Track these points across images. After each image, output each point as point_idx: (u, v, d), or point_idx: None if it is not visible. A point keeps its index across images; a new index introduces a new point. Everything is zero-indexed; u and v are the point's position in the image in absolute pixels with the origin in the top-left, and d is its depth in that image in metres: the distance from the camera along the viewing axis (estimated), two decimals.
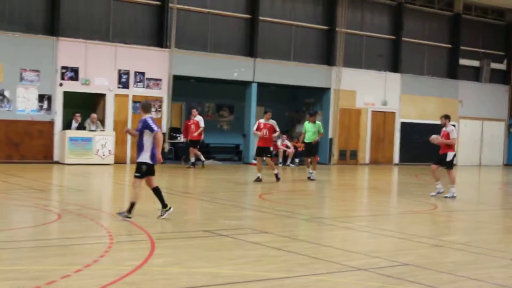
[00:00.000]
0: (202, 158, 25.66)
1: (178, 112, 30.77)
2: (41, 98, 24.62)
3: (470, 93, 36.26)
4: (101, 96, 26.14)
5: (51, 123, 24.92)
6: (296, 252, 9.46)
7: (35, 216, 12.62)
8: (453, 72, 36.00)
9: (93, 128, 25.10)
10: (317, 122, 22.29)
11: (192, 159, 25.38)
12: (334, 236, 11.57)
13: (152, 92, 26.92)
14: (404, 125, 33.82)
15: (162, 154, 12.23)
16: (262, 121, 20.93)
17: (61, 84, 25.03)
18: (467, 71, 36.72)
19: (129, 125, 26.01)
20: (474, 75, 37.04)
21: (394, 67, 33.88)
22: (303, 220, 13.04)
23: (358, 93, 32.46)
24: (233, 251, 9.58)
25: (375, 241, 11.24)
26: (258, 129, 20.82)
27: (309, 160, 22.18)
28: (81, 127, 24.98)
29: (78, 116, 25.06)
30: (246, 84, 29.70)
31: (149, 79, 26.90)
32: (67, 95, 25.22)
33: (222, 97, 31.56)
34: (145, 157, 11.81)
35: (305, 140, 22.26)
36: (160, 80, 27.12)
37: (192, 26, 28.20)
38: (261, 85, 29.74)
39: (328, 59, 31.72)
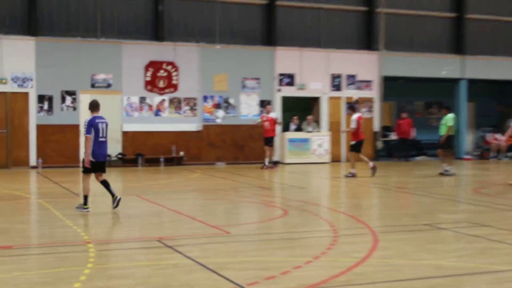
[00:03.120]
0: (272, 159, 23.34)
1: (388, 111, 30.43)
2: (261, 103, 25.41)
3: None
4: (316, 99, 26.50)
5: None
6: None
7: (264, 211, 13.02)
8: None
9: (309, 129, 25.50)
10: (448, 115, 20.49)
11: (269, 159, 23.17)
12: None
13: (364, 93, 26.87)
14: None
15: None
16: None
17: (279, 90, 25.69)
18: None
19: (343, 126, 26.12)
20: None
21: None
22: None
23: None
24: (454, 244, 9.28)
25: None
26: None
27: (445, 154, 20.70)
28: (298, 128, 25.50)
29: (295, 119, 25.64)
30: (454, 81, 28.75)
31: (360, 81, 26.87)
32: (285, 100, 25.83)
33: (431, 95, 30.74)
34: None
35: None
36: (370, 81, 26.99)
37: (399, 28, 27.77)
38: (470, 81, 28.68)
39: None
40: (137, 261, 8.21)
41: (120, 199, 12.30)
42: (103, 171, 12.51)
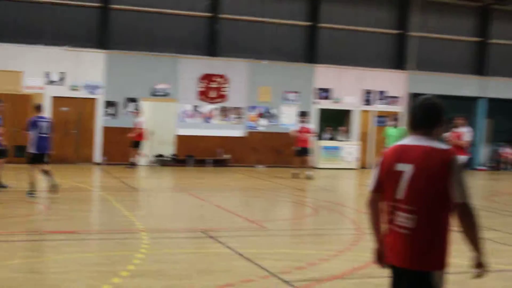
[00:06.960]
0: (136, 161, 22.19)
1: None
2: (301, 114, 25.44)
3: None
4: (348, 112, 26.45)
5: None
6: None
7: (297, 210, 13.12)
8: None
9: (341, 138, 25.47)
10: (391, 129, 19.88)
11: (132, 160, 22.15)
12: None
13: (392, 108, 26.71)
14: None
15: None
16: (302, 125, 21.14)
17: (317, 103, 25.72)
18: None
19: (371, 136, 26.04)
20: None
21: None
22: None
23: None
24: (462, 244, 9.23)
25: None
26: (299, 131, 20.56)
27: None
28: (332, 138, 25.49)
29: (329, 129, 25.62)
30: (474, 100, 28.38)
31: (389, 97, 26.74)
32: (321, 112, 25.84)
33: (452, 111, 30.31)
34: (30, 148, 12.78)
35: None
36: (398, 97, 26.84)
37: (428, 50, 27.51)
38: (490, 100, 28.32)
39: None
40: (184, 248, 8.41)
41: (57, 187, 12.77)
42: (45, 162, 13.03)
